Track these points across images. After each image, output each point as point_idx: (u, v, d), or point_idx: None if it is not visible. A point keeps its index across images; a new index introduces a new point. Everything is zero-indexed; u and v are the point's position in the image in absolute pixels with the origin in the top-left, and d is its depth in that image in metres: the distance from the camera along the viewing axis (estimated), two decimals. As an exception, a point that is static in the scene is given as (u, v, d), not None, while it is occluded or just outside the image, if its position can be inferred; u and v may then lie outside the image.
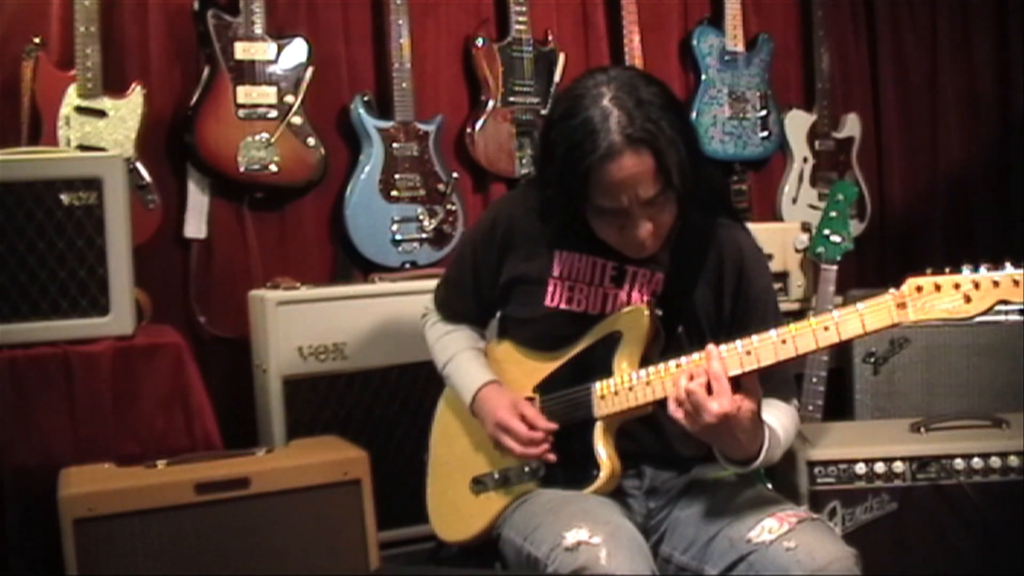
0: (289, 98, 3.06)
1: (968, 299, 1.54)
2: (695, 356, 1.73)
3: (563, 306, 1.95)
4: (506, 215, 2.03)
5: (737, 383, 1.68)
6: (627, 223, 1.79)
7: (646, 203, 1.75)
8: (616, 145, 1.70)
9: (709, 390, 1.66)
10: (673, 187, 1.75)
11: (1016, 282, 1.52)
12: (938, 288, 1.55)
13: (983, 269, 1.54)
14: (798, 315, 3.30)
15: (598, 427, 1.86)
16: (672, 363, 1.77)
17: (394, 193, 3.20)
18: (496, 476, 1.97)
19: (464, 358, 2.07)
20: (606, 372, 1.86)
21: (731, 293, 1.93)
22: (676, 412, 1.70)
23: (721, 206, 2.01)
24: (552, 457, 1.89)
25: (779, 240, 3.34)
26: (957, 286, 1.54)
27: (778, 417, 1.85)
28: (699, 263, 1.92)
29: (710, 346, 1.71)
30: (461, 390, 2.04)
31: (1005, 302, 1.52)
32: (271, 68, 3.05)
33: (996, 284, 1.53)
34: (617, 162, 1.71)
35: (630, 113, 1.72)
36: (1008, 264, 1.53)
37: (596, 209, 1.78)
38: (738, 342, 1.69)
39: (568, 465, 1.88)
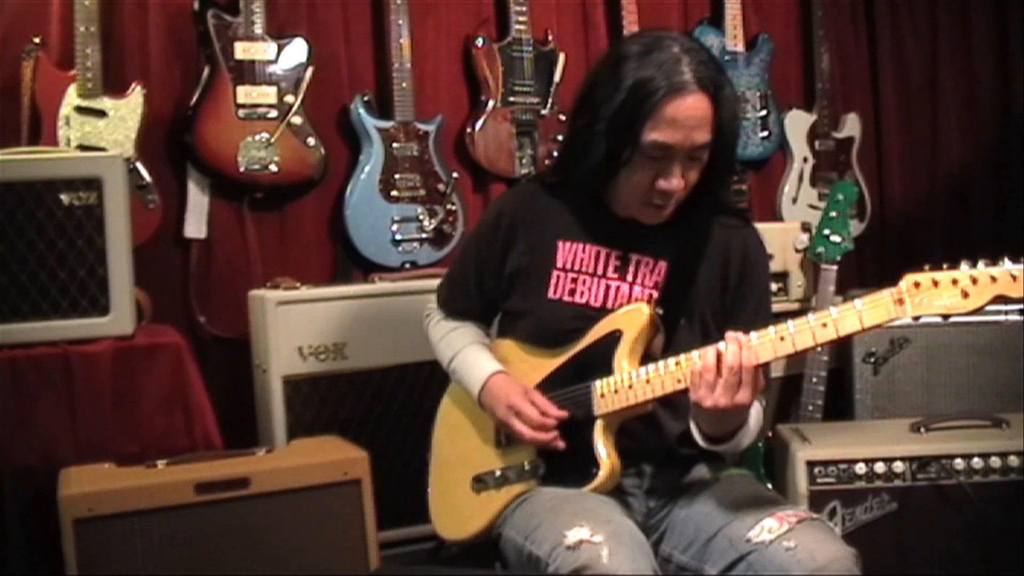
0: (289, 98, 3.06)
1: (966, 294, 1.54)
2: (694, 355, 1.74)
3: (566, 298, 1.96)
4: (510, 209, 2.05)
5: None
6: (663, 170, 1.83)
7: (691, 152, 1.82)
8: (689, 84, 1.80)
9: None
10: (722, 141, 1.84)
11: (1014, 277, 1.52)
12: (936, 284, 1.55)
13: (981, 265, 1.54)
14: (798, 315, 3.28)
15: (598, 425, 1.86)
16: (671, 361, 1.78)
17: (394, 193, 3.20)
18: (497, 474, 1.98)
19: (472, 351, 2.07)
20: (606, 370, 1.86)
21: (733, 286, 1.95)
22: (703, 375, 1.69)
23: (727, 202, 2.04)
24: (561, 445, 1.90)
25: (779, 240, 3.34)
26: (955, 282, 1.54)
27: (750, 414, 1.87)
28: (703, 253, 1.94)
29: (740, 336, 1.70)
30: (469, 381, 2.03)
31: (1003, 298, 1.52)
32: (271, 68, 3.05)
33: (994, 279, 1.53)
34: (685, 98, 1.79)
35: (701, 61, 1.82)
36: (1006, 259, 1.53)
37: (644, 147, 1.82)
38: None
39: (568, 463, 1.89)
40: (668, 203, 1.87)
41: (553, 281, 1.97)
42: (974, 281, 1.54)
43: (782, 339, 1.67)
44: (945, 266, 1.56)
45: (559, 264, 1.97)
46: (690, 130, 1.80)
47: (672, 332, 1.89)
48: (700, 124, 1.80)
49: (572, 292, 1.96)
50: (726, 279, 1.95)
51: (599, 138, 1.85)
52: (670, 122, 1.79)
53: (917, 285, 1.56)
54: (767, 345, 1.68)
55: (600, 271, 1.96)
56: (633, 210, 1.91)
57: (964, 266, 1.55)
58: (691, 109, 1.79)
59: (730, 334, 1.72)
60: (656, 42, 1.84)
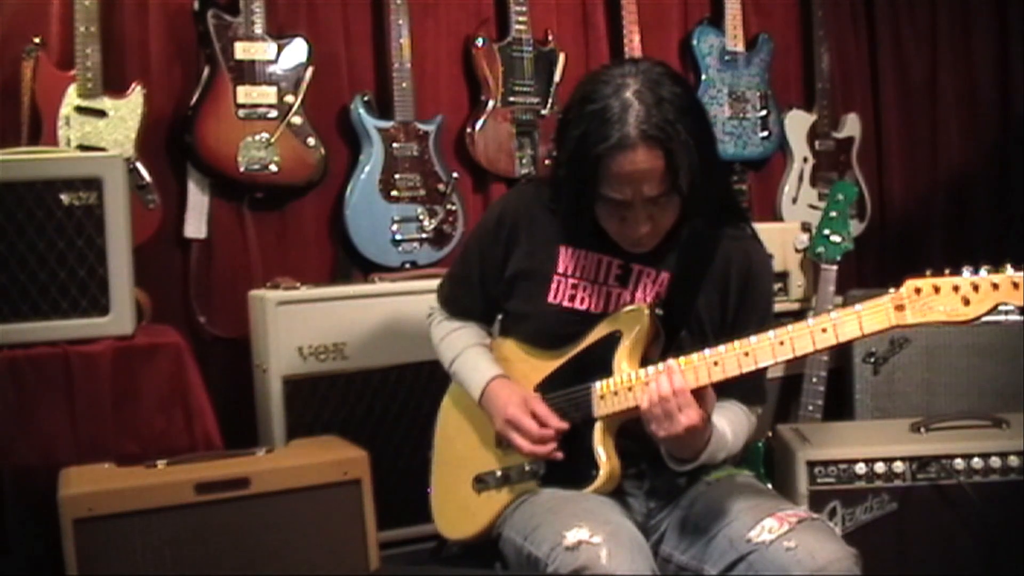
0: (289, 98, 3.06)
1: (967, 302, 1.53)
2: (693, 356, 1.74)
3: (566, 303, 1.95)
4: (512, 210, 2.04)
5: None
6: (628, 216, 1.81)
7: (649, 201, 1.77)
8: (630, 138, 1.72)
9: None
10: (678, 190, 1.76)
11: (1015, 284, 1.51)
12: (937, 290, 1.54)
13: (983, 271, 1.53)
14: (798, 315, 3.30)
15: (598, 427, 1.86)
16: (672, 363, 1.77)
17: (394, 193, 3.20)
18: (498, 475, 1.98)
19: (472, 354, 2.07)
20: (606, 372, 1.86)
21: (735, 299, 1.94)
22: (651, 411, 1.73)
23: (732, 212, 2.00)
24: (560, 455, 1.89)
25: (779, 240, 3.34)
26: (956, 288, 1.53)
27: (731, 420, 1.89)
28: (706, 265, 1.92)
29: (670, 361, 1.74)
30: (470, 385, 2.03)
31: (1004, 304, 1.52)
32: (271, 68, 3.05)
33: (995, 287, 1.52)
34: (628, 155, 1.72)
35: (649, 110, 1.73)
36: (1008, 266, 1.52)
37: (602, 198, 1.80)
38: (736, 343, 1.70)
39: (568, 465, 1.88)
40: (641, 243, 1.86)
41: (553, 286, 1.96)
42: (975, 288, 1.53)
43: (781, 343, 1.67)
44: (947, 271, 1.54)
45: (560, 269, 1.96)
46: (638, 184, 1.74)
47: (672, 342, 1.88)
48: (648, 178, 1.74)
49: (572, 298, 1.95)
50: (726, 294, 1.94)
51: (564, 185, 1.85)
52: (616, 178, 1.74)
53: (918, 291, 1.55)
54: (766, 349, 1.68)
55: (601, 279, 1.95)
56: (619, 243, 1.90)
57: (966, 272, 1.54)
58: (637, 164, 1.72)
59: (652, 369, 1.76)
60: (605, 84, 1.77)
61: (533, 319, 1.99)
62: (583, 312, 1.94)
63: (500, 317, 2.14)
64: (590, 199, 1.82)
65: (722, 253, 1.93)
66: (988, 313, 1.53)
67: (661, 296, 1.92)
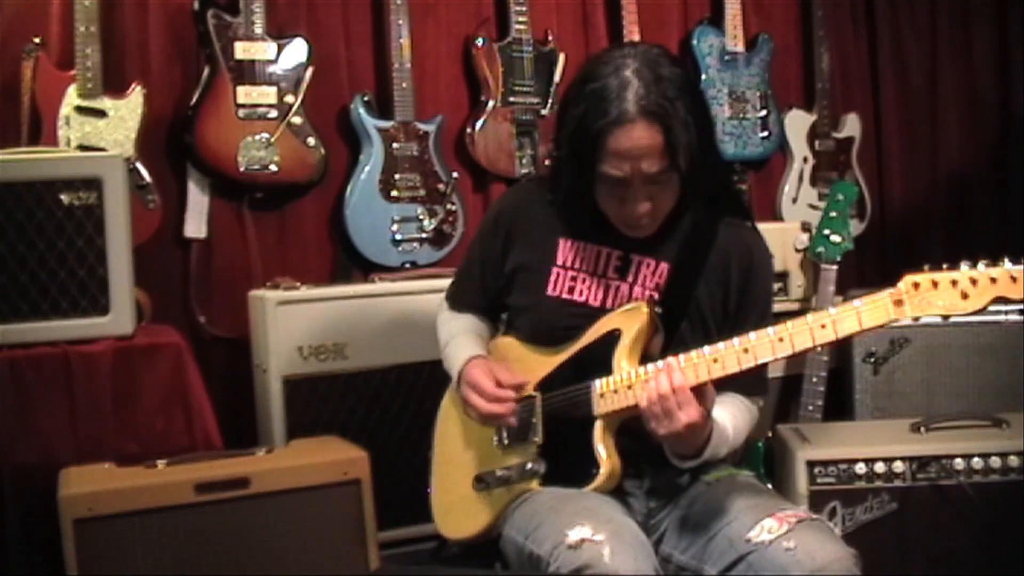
0: (289, 98, 3.06)
1: (965, 296, 1.53)
2: (693, 354, 1.74)
3: (564, 295, 1.96)
4: (511, 205, 2.07)
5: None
6: (627, 196, 1.82)
7: (648, 179, 1.79)
8: (629, 114, 1.74)
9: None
10: (677, 167, 1.78)
11: (1013, 278, 1.51)
12: (935, 285, 1.54)
13: (981, 266, 1.53)
14: (798, 315, 3.28)
15: (598, 425, 1.85)
16: (671, 361, 1.77)
17: (394, 193, 3.20)
18: (498, 474, 1.97)
19: (460, 338, 2.09)
20: (606, 370, 1.86)
21: (736, 290, 1.95)
22: (650, 409, 1.72)
23: (732, 204, 2.02)
24: (513, 421, 1.92)
25: (779, 240, 3.33)
26: (954, 283, 1.54)
27: (732, 415, 1.89)
28: (706, 257, 1.93)
29: (670, 359, 1.74)
30: (452, 370, 2.05)
31: (1003, 299, 1.52)
32: (271, 68, 3.05)
33: (993, 280, 1.52)
34: (627, 130, 1.75)
35: (648, 86, 1.76)
36: (1006, 260, 1.53)
37: (601, 177, 1.81)
38: (735, 340, 1.70)
39: (568, 463, 1.88)
40: (641, 224, 1.87)
41: (552, 278, 1.97)
42: (973, 282, 1.53)
43: (781, 340, 1.67)
44: (945, 266, 1.55)
45: (559, 262, 1.97)
46: (637, 161, 1.76)
47: (673, 334, 1.88)
48: (647, 154, 1.76)
49: (571, 290, 1.96)
50: (727, 284, 1.94)
51: (564, 166, 1.87)
52: (615, 154, 1.76)
53: (916, 286, 1.56)
54: (765, 345, 1.68)
55: (600, 271, 1.96)
56: (618, 226, 1.91)
57: (964, 267, 1.54)
58: (635, 140, 1.75)
59: (651, 367, 1.76)
60: (605, 64, 1.80)
61: (532, 312, 2.00)
62: (582, 304, 1.95)
63: (507, 315, 2.14)
64: (590, 180, 1.83)
65: (722, 244, 1.94)
66: (986, 307, 1.53)
67: (660, 287, 1.93)
